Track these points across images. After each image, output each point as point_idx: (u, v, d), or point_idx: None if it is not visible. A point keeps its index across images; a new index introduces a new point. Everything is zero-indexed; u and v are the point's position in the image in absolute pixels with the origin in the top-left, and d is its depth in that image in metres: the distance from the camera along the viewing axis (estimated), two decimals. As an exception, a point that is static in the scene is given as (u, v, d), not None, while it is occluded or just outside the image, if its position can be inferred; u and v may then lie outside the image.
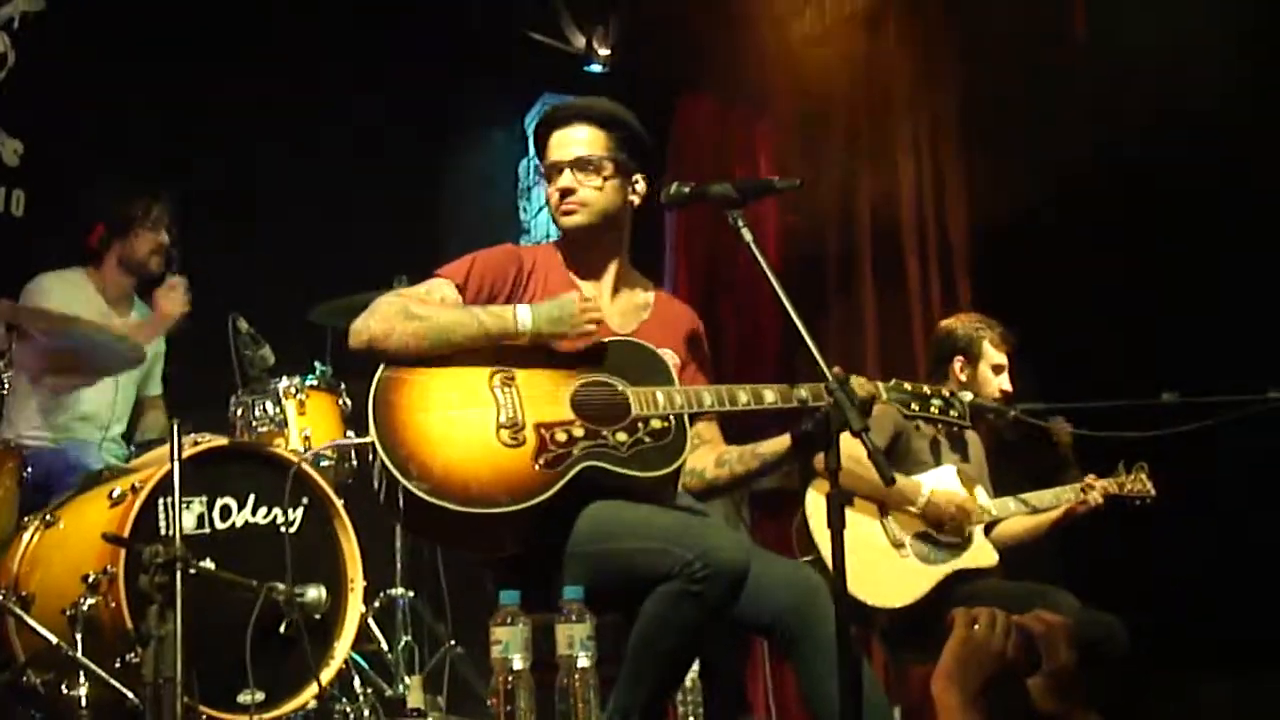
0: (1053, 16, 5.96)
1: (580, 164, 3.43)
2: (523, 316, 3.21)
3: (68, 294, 4.86)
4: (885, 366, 6.33)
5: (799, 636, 3.10)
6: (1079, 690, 2.13)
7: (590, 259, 3.50)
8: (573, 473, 3.09)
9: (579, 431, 3.16)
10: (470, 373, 3.19)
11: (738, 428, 3.49)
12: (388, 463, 3.03)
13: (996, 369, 4.80)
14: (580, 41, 7.39)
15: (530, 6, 7.25)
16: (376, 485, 3.15)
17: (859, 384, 3.15)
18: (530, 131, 7.34)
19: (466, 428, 3.11)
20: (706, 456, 3.38)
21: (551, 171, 3.47)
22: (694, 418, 3.33)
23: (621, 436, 3.17)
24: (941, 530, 4.51)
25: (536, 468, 3.08)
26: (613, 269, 3.51)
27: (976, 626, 2.13)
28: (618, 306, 3.51)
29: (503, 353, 3.25)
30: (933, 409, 3.38)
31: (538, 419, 3.16)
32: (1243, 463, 4.89)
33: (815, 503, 4.42)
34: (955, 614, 2.17)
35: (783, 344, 6.63)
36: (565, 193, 3.42)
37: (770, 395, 3.26)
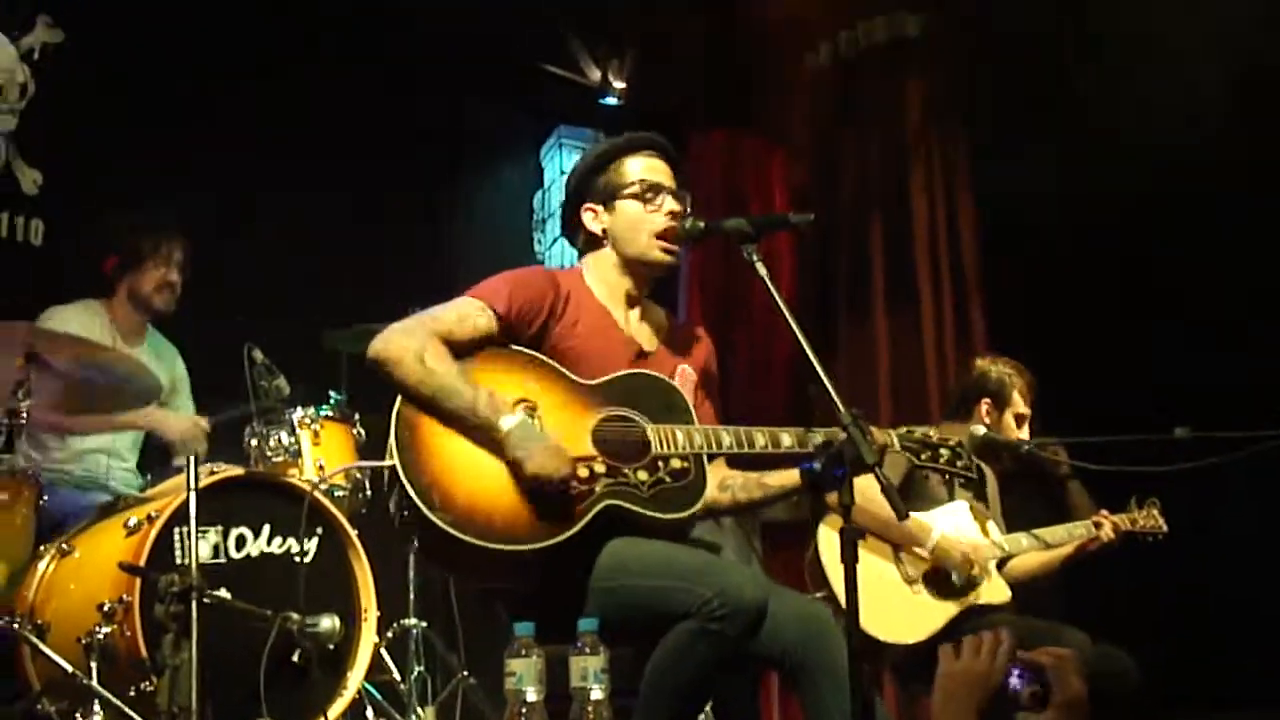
0: (1064, 51, 6.00)
1: (678, 196, 3.47)
2: (505, 425, 3.10)
3: (81, 325, 4.87)
4: (896, 396, 6.35)
5: (808, 671, 3.09)
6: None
7: (636, 289, 3.51)
8: (594, 511, 3.10)
9: (600, 468, 3.16)
10: None
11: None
12: (410, 490, 3.02)
13: (1019, 419, 4.83)
14: (595, 75, 7.43)
15: (545, 39, 7.29)
16: (394, 509, 3.14)
17: (872, 434, 3.17)
18: (550, 155, 7.39)
19: (490, 459, 3.11)
20: (710, 478, 3.36)
21: (650, 191, 3.45)
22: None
23: (642, 475, 3.18)
24: (948, 576, 4.49)
25: (558, 504, 3.09)
26: (641, 297, 3.54)
27: (960, 655, 2.16)
28: (645, 328, 3.53)
29: (526, 379, 3.25)
30: (942, 458, 3.41)
31: None
32: (1256, 498, 4.89)
33: (828, 538, 4.41)
34: (940, 650, 2.20)
35: (794, 376, 6.64)
36: (677, 216, 3.43)
37: (787, 439, 3.29)
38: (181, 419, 5.06)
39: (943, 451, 3.41)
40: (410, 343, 3.16)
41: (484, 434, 3.11)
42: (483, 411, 3.11)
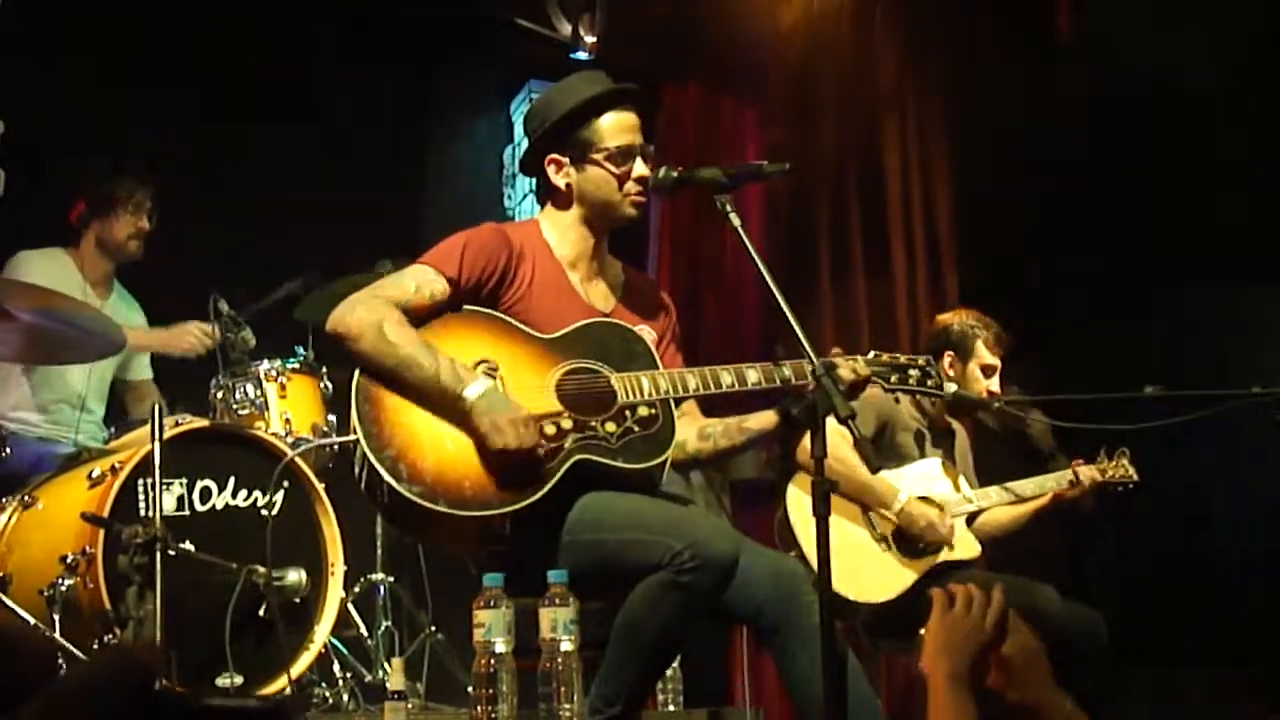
0: (1039, 13, 5.98)
1: (647, 153, 3.40)
2: (470, 395, 3.06)
3: (50, 271, 4.82)
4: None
5: (781, 628, 3.08)
6: (1046, 673, 2.14)
7: (597, 244, 3.45)
8: (564, 468, 3.07)
9: (568, 423, 3.13)
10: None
11: (719, 399, 3.45)
12: (377, 466, 2.99)
13: (986, 370, 4.76)
14: (566, 29, 7.35)
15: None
16: (360, 481, 3.10)
17: (841, 363, 3.16)
18: (521, 103, 7.34)
19: (454, 424, 3.08)
20: (688, 429, 3.34)
21: (622, 156, 3.36)
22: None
23: (610, 427, 3.15)
24: (914, 540, 4.49)
25: (528, 465, 3.05)
26: (601, 250, 3.49)
27: (955, 605, 2.15)
28: (599, 287, 3.48)
29: (486, 339, 3.22)
30: (911, 379, 3.40)
31: None
32: (1224, 457, 4.91)
33: (796, 497, 4.40)
34: (933, 593, 2.18)
35: (764, 332, 6.61)
36: (645, 181, 3.36)
37: (754, 375, 3.26)
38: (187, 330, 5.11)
39: (912, 372, 3.40)
40: (369, 316, 3.11)
41: (448, 403, 3.07)
42: (445, 382, 3.07)
